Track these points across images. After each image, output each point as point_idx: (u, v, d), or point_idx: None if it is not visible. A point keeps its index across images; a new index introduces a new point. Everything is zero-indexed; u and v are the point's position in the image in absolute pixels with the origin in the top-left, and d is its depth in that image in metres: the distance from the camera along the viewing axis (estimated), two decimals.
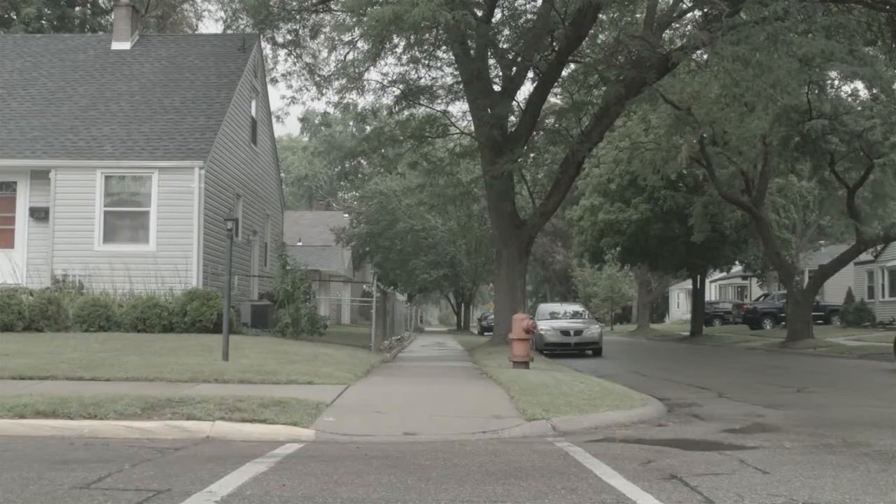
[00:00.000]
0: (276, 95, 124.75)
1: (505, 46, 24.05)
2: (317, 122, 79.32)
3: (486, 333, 43.78)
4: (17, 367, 10.50)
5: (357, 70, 23.29)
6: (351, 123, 58.66)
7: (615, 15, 22.92)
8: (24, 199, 19.13)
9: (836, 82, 26.65)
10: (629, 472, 5.94)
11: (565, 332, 25.78)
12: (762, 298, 46.52)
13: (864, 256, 36.50)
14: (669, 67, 21.56)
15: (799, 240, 44.02)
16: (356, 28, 20.76)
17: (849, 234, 38.13)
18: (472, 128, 25.11)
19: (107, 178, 18.82)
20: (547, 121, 26.41)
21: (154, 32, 30.82)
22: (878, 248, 35.93)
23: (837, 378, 16.19)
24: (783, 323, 36.13)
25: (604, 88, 23.52)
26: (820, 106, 25.61)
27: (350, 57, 24.14)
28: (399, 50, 23.88)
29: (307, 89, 28.47)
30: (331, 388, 10.30)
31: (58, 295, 16.75)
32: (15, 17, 34.21)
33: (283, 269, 19.10)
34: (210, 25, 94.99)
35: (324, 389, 10.12)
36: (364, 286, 45.38)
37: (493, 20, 23.62)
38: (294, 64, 27.80)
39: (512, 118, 24.47)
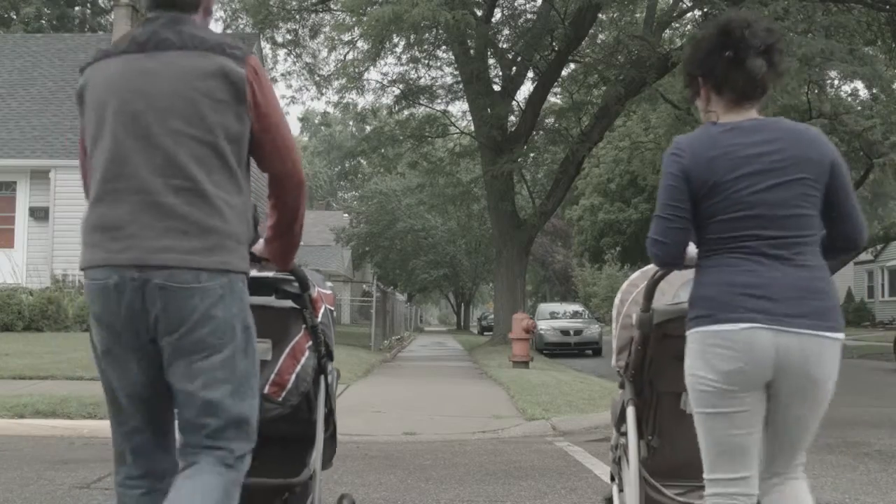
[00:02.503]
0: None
1: (505, 46, 24.08)
2: (317, 121, 79.33)
3: (485, 333, 43.74)
4: (17, 367, 10.47)
5: (357, 70, 23.31)
6: (351, 123, 58.62)
7: (615, 15, 22.94)
8: (24, 199, 19.12)
9: (836, 82, 26.66)
10: None
11: (565, 332, 25.76)
12: None
13: (863, 256, 36.52)
14: (669, 67, 21.56)
15: None
16: (356, 28, 20.82)
17: None
18: (472, 128, 25.12)
19: None
20: (547, 120, 26.43)
21: None
22: (878, 247, 35.95)
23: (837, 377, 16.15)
24: None
25: (604, 88, 23.55)
26: (820, 106, 25.59)
27: (350, 57, 24.19)
28: (399, 50, 23.98)
29: (307, 89, 28.56)
30: None
31: (58, 295, 16.72)
32: (15, 17, 34.24)
33: None
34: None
35: None
36: (364, 286, 45.37)
37: (493, 20, 23.65)
38: (294, 64, 27.87)
39: (512, 118, 24.48)
